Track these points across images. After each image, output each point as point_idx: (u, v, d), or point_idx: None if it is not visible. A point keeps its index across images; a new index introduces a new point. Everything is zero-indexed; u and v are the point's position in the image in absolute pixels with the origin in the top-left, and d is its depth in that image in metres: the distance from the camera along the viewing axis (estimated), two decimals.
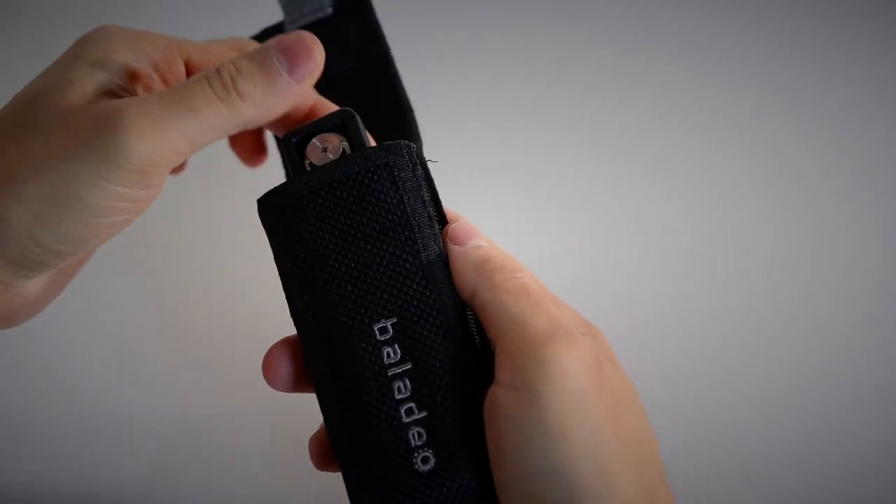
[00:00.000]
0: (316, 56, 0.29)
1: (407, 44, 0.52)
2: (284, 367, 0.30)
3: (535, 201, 0.50)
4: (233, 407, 0.46)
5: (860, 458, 0.44)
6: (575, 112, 0.52)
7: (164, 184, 0.28)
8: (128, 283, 0.48)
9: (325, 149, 0.31)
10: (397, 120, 0.35)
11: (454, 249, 0.29)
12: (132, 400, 0.46)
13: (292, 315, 0.30)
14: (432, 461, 0.27)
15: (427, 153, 0.50)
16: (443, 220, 0.31)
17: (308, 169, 0.31)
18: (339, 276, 0.29)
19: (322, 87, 0.33)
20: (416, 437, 0.27)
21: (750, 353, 0.46)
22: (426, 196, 0.30)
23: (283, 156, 0.37)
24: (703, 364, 0.46)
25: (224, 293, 0.48)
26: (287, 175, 0.33)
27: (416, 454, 0.27)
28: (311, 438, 0.30)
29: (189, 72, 0.32)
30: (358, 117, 0.32)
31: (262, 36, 0.38)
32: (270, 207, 0.31)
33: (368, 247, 0.29)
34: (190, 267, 0.49)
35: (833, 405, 0.45)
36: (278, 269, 0.30)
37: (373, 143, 0.33)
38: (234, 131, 0.29)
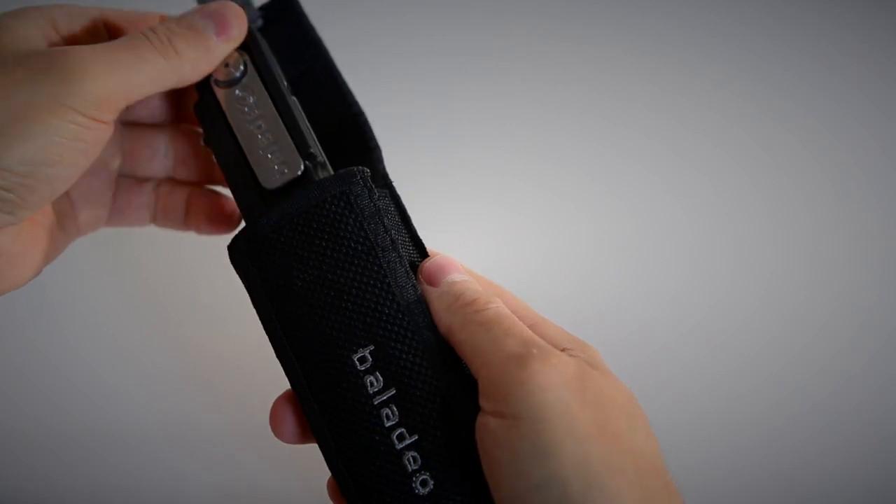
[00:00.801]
0: (241, 20, 0.32)
1: (407, 43, 0.52)
2: (290, 420, 0.31)
3: (536, 201, 0.50)
4: (237, 409, 0.46)
5: (861, 457, 0.44)
6: (575, 112, 0.52)
7: (113, 129, 0.29)
8: (127, 285, 0.48)
9: (227, 64, 0.32)
10: (350, 126, 0.34)
11: (429, 291, 0.30)
12: (130, 403, 0.46)
13: (278, 358, 0.30)
14: (431, 484, 0.27)
15: (425, 154, 0.51)
16: (415, 240, 0.31)
17: (213, 84, 0.32)
18: (311, 311, 0.29)
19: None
20: (412, 461, 0.27)
21: (750, 354, 0.46)
22: (388, 221, 0.30)
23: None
24: (703, 364, 0.46)
25: (224, 294, 0.48)
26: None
27: (414, 478, 0.27)
28: (328, 481, 0.31)
29: (110, 35, 0.33)
30: (255, 31, 0.33)
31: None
32: (238, 252, 0.31)
33: (335, 277, 0.29)
34: (188, 267, 0.49)
35: (833, 405, 0.45)
36: (257, 313, 0.30)
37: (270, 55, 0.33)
38: (172, 85, 0.30)
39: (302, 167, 0.31)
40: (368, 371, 0.28)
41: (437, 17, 0.53)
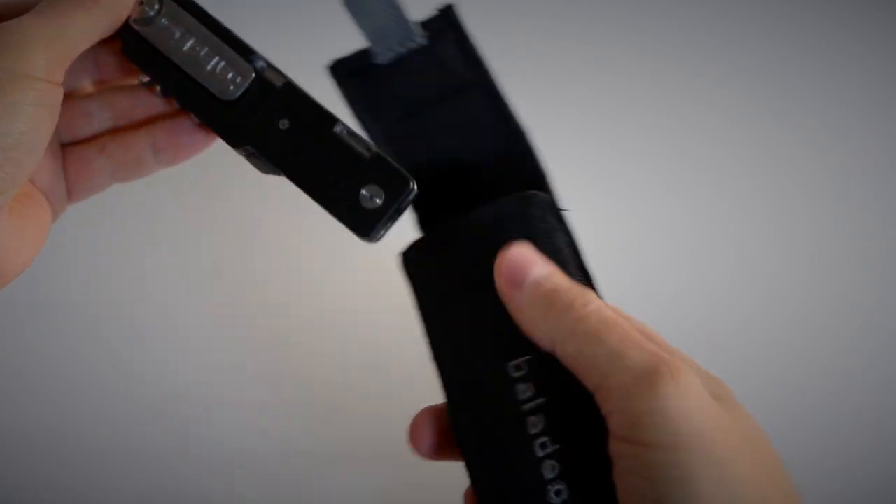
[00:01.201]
0: None
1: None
2: (429, 435, 0.31)
3: None
4: (236, 411, 0.46)
5: (861, 457, 0.44)
6: (575, 112, 0.52)
7: (63, 90, 0.31)
8: (126, 285, 0.48)
9: (142, 2, 0.33)
10: (517, 157, 0.34)
11: (514, 299, 0.28)
12: (131, 403, 0.46)
13: (434, 359, 0.31)
14: (565, 494, 0.27)
15: None
16: (584, 271, 0.31)
17: (136, 26, 0.33)
18: (476, 319, 0.30)
19: (416, 117, 0.34)
20: (550, 469, 0.27)
21: (749, 354, 0.46)
22: (559, 242, 0.31)
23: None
24: (703, 364, 0.46)
25: (217, 297, 0.48)
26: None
27: (550, 486, 0.27)
28: (466, 492, 0.31)
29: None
30: None
31: (342, 65, 0.34)
32: (409, 258, 0.32)
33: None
34: (183, 270, 0.49)
35: (833, 405, 0.45)
36: (420, 317, 0.31)
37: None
38: (100, 34, 0.32)
39: (253, 73, 0.32)
40: (521, 379, 0.29)
41: None
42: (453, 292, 0.31)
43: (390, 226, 0.31)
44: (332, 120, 0.32)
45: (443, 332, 0.31)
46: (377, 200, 0.31)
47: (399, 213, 0.31)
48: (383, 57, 0.34)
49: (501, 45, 0.53)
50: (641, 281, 0.48)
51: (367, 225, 0.31)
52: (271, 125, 0.32)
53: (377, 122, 0.34)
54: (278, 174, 0.33)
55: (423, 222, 0.34)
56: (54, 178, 0.35)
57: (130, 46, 0.33)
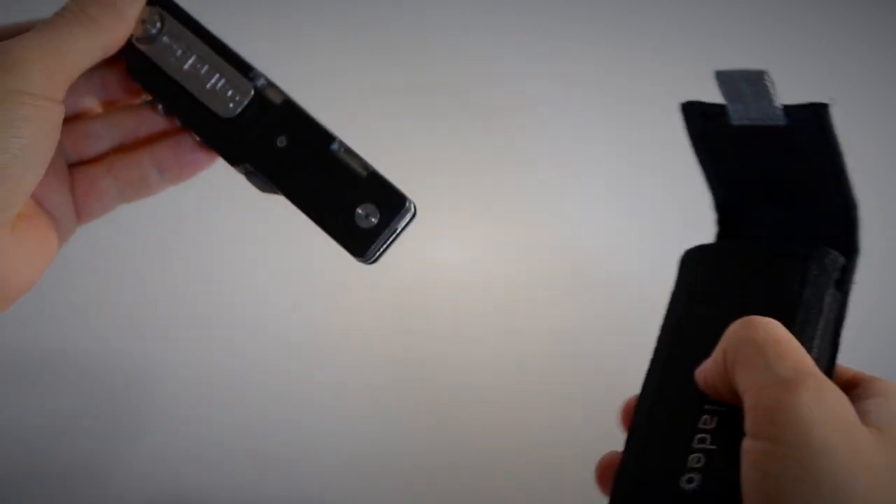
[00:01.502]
0: None
1: (407, 43, 0.52)
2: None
3: (536, 202, 0.50)
4: (237, 411, 0.46)
5: None
6: (575, 112, 0.52)
7: (64, 109, 0.31)
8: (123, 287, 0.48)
9: (144, 21, 0.33)
10: (836, 221, 0.36)
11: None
12: (129, 402, 0.46)
13: (657, 345, 0.33)
14: (696, 483, 0.28)
15: (425, 157, 0.50)
16: (833, 344, 0.32)
17: (138, 44, 0.33)
18: (707, 325, 0.31)
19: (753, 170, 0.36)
20: (695, 461, 0.29)
21: None
22: (824, 303, 0.31)
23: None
24: None
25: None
26: None
27: (686, 474, 0.29)
28: (600, 463, 0.33)
29: None
30: None
31: (694, 107, 0.37)
32: (689, 258, 0.35)
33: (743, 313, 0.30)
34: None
35: None
36: (667, 307, 0.34)
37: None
38: (101, 54, 0.32)
39: (252, 90, 0.32)
40: None
41: (437, 18, 0.53)
42: (706, 298, 0.33)
43: (387, 246, 0.31)
44: (330, 138, 0.32)
45: (675, 323, 0.33)
46: (372, 220, 0.30)
47: (396, 233, 0.30)
48: (737, 120, 0.35)
49: (502, 44, 0.53)
50: (641, 281, 0.48)
51: (362, 245, 0.30)
52: (269, 143, 0.32)
53: (713, 164, 0.37)
54: (276, 193, 0.32)
55: (722, 234, 0.37)
56: (61, 199, 0.35)
57: (134, 65, 0.33)
